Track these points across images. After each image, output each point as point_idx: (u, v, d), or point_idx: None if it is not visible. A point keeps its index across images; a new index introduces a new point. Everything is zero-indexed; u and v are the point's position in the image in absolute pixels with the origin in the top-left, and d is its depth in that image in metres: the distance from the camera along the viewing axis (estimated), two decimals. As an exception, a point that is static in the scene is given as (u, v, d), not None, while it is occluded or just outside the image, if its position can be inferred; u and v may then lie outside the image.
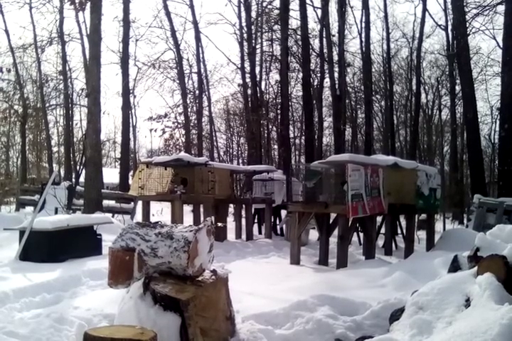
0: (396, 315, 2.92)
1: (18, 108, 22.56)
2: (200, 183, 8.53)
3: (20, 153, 24.47)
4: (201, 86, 19.92)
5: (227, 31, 26.33)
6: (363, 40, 19.12)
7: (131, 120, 20.83)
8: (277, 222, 11.12)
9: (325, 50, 18.00)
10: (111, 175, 22.90)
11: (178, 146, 20.49)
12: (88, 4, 10.24)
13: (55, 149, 26.74)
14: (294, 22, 19.32)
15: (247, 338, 2.98)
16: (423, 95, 24.78)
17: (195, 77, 20.67)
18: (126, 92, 18.28)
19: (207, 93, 20.78)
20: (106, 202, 11.40)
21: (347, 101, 22.60)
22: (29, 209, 12.26)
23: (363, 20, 18.98)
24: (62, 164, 26.32)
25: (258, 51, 20.31)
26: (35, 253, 5.70)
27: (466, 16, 14.26)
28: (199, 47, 19.75)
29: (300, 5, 16.16)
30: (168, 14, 19.03)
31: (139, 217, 10.41)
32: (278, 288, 4.43)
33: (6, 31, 20.21)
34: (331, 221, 7.02)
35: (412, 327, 2.53)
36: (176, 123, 20.50)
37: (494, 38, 18.90)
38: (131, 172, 18.58)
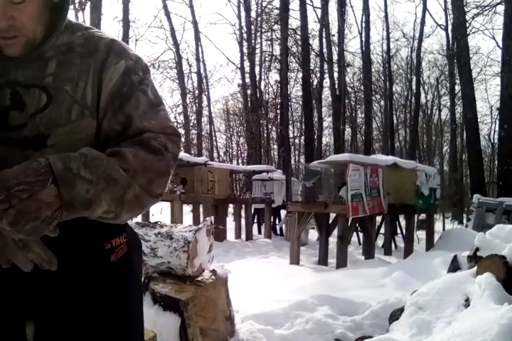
0: (396, 314, 2.93)
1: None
2: (199, 183, 8.54)
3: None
4: (201, 86, 19.92)
5: (227, 31, 26.35)
6: (363, 39, 19.13)
7: (130, 120, 20.78)
8: (277, 222, 11.12)
9: (325, 50, 18.01)
10: (110, 174, 22.87)
11: (177, 146, 20.45)
12: (88, 4, 10.24)
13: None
14: (294, 22, 19.36)
15: (246, 338, 2.98)
16: (423, 95, 24.80)
17: (194, 76, 20.70)
18: (126, 92, 18.25)
19: (206, 93, 20.79)
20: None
21: (346, 101, 22.60)
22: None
23: (363, 20, 19.00)
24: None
25: (258, 51, 20.32)
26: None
27: (466, 16, 14.25)
28: (199, 47, 19.78)
29: (300, 5, 16.16)
30: (167, 14, 19.03)
31: (138, 216, 10.41)
32: (277, 288, 4.43)
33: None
34: (330, 221, 7.02)
35: (411, 327, 2.53)
36: (176, 123, 20.49)
37: (494, 38, 18.95)
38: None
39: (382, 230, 8.74)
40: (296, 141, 25.61)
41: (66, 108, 0.90)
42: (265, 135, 23.02)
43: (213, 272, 2.96)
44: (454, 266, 3.08)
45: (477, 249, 2.82)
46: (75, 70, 0.92)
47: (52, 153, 0.87)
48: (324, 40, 17.86)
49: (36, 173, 0.73)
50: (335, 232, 6.78)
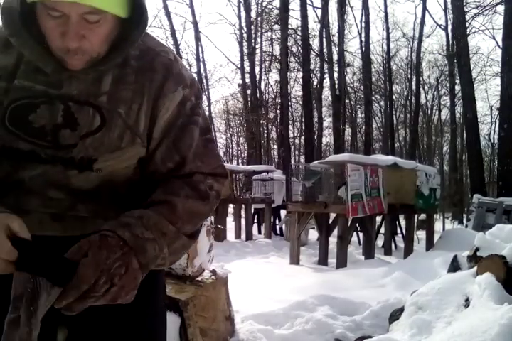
0: (395, 314, 2.92)
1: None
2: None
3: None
4: (201, 86, 19.86)
5: (227, 31, 26.35)
6: (363, 39, 19.13)
7: (130, 120, 20.80)
8: (277, 222, 11.12)
9: (325, 50, 18.01)
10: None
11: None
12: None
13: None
14: (294, 22, 19.36)
15: (246, 338, 2.98)
16: (423, 95, 24.81)
17: (194, 76, 20.67)
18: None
19: (206, 93, 20.77)
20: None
21: (346, 101, 22.60)
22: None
23: (363, 20, 19.00)
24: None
25: (258, 51, 20.32)
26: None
27: (466, 16, 14.24)
28: (199, 47, 19.76)
29: (300, 5, 16.16)
30: (168, 14, 19.00)
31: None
32: (277, 288, 4.43)
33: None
34: (330, 221, 7.02)
35: (411, 327, 2.53)
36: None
37: (494, 38, 18.98)
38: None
39: (382, 230, 8.73)
40: (296, 141, 25.62)
41: (118, 134, 0.89)
42: (265, 135, 23.03)
43: (213, 272, 2.96)
44: (454, 266, 3.08)
45: (477, 249, 2.82)
46: (129, 90, 0.90)
47: (97, 177, 0.89)
48: (324, 40, 17.86)
49: (120, 248, 0.76)
50: (335, 232, 6.78)
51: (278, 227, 10.95)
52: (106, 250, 0.74)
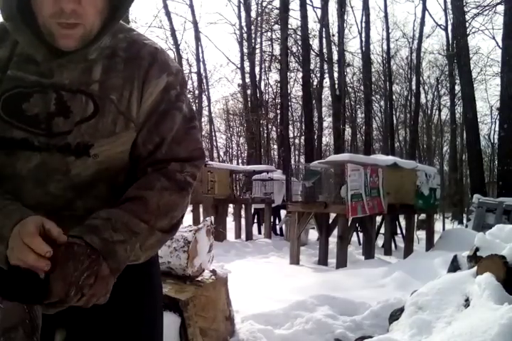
0: (395, 314, 2.92)
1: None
2: (199, 183, 8.53)
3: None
4: (201, 86, 19.91)
5: (227, 31, 26.34)
6: (363, 39, 19.13)
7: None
8: (277, 222, 11.12)
9: (325, 50, 18.01)
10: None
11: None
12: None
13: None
14: (294, 22, 19.36)
15: (246, 338, 2.98)
16: (423, 95, 24.79)
17: (194, 76, 20.67)
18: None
19: (206, 93, 20.79)
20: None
21: (346, 101, 22.60)
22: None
23: (363, 20, 19.00)
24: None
25: (258, 51, 20.33)
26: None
27: (466, 16, 14.23)
28: (199, 47, 19.76)
29: (300, 5, 16.14)
30: (168, 14, 18.98)
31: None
32: (277, 288, 4.43)
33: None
34: (330, 221, 7.02)
35: (411, 327, 2.53)
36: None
37: (494, 38, 18.95)
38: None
39: (382, 230, 8.73)
40: (296, 141, 25.62)
41: (111, 119, 0.91)
42: (265, 135, 23.03)
43: (213, 272, 2.96)
44: (454, 266, 3.08)
45: (477, 249, 2.82)
46: (120, 78, 0.92)
47: (94, 163, 0.90)
48: (324, 40, 17.85)
49: (87, 256, 0.76)
50: (335, 232, 6.78)
51: (278, 227, 10.94)
52: (73, 261, 0.74)
